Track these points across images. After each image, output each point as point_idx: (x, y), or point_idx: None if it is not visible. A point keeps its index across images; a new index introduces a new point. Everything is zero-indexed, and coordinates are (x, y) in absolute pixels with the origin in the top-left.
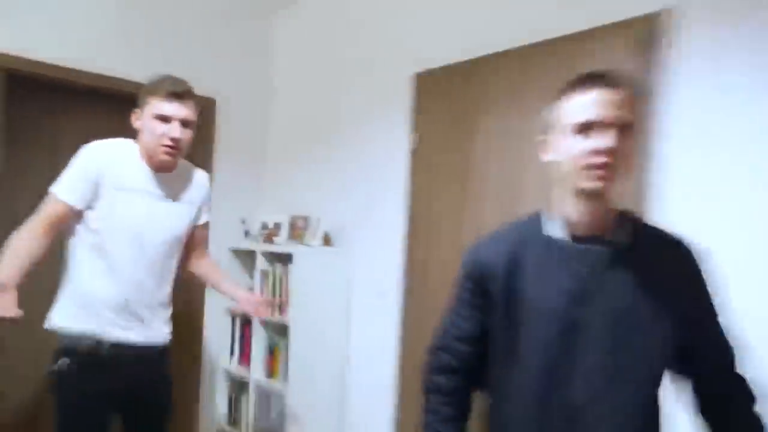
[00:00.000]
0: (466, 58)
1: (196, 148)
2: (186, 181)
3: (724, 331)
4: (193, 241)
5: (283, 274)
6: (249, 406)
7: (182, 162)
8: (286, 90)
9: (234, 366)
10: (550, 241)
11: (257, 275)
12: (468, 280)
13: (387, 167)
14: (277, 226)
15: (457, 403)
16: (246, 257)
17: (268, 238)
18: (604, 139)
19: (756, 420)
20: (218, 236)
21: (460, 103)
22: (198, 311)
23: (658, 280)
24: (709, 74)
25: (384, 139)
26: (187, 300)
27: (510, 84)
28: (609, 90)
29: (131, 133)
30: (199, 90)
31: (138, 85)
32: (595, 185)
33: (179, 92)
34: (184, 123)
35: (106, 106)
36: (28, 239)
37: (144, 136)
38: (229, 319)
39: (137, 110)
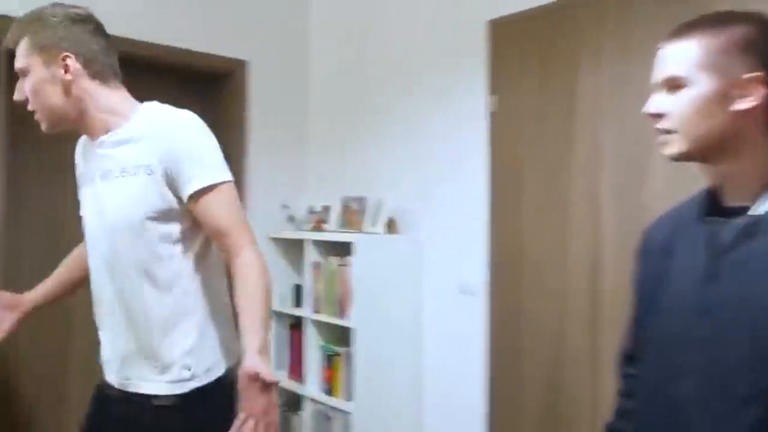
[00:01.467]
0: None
1: (225, 119)
2: (130, 141)
3: None
4: (205, 231)
5: (340, 268)
6: (303, 428)
7: (132, 114)
8: (331, 50)
9: (282, 379)
10: (693, 216)
11: (307, 269)
12: (635, 260)
13: (461, 136)
14: (326, 210)
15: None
16: (292, 247)
17: (317, 225)
18: (648, 103)
19: None
20: (256, 224)
21: (552, 54)
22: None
23: None
24: None
25: (455, 102)
26: None
27: (618, 27)
28: (670, 43)
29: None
30: (226, 51)
31: (167, 49)
32: (665, 152)
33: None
34: (22, 74)
35: (132, 72)
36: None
37: None
38: (273, 322)
39: None
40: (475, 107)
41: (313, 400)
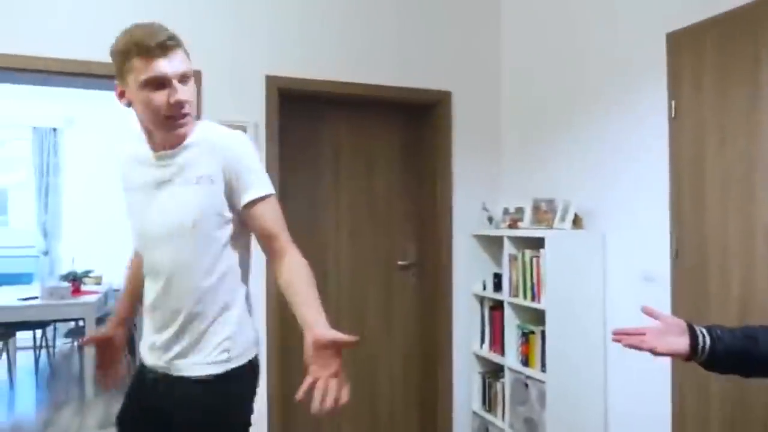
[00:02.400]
0: (729, 7)
1: (434, 139)
2: (195, 153)
3: None
4: (255, 234)
5: (533, 259)
6: (505, 392)
7: (193, 129)
8: (518, 72)
9: (485, 351)
10: None
11: (505, 260)
12: None
13: (641, 140)
14: (520, 211)
15: None
16: (491, 243)
17: (513, 224)
18: None
19: None
20: (461, 224)
21: (730, 60)
22: (446, 295)
23: None
24: None
25: (636, 109)
26: (432, 280)
27: None
28: None
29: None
30: (435, 84)
31: (377, 88)
32: None
33: (163, 42)
34: (183, 79)
35: (358, 112)
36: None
37: (140, 114)
38: (477, 304)
39: (117, 84)
40: (656, 113)
41: (512, 370)
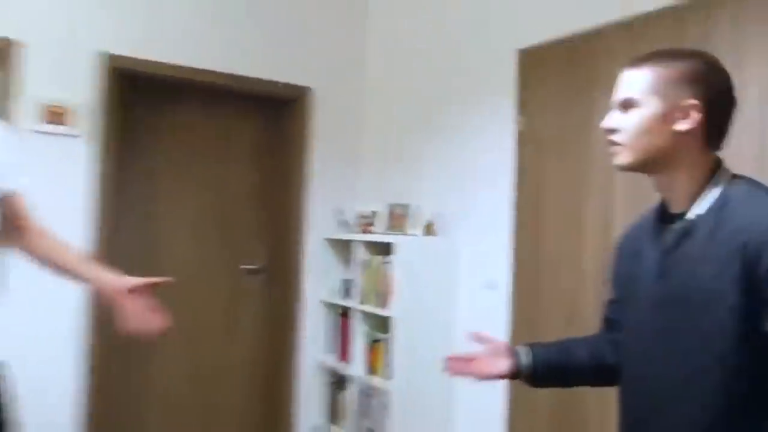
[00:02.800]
0: (574, 31)
1: (291, 138)
2: None
3: None
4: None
5: (384, 265)
6: (350, 402)
7: None
8: (381, 77)
9: (332, 361)
10: (651, 222)
11: (355, 266)
12: (612, 260)
13: (492, 151)
14: (374, 215)
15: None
16: (342, 247)
17: (366, 228)
18: (605, 119)
19: None
20: (314, 227)
21: (572, 80)
22: (293, 301)
23: (706, 258)
24: None
25: (488, 121)
26: (281, 286)
27: (621, 59)
28: (628, 71)
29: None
30: (296, 79)
31: (235, 78)
32: (614, 162)
33: None
34: None
35: (201, 99)
36: None
37: None
38: (324, 311)
39: None
40: (505, 127)
41: (358, 379)
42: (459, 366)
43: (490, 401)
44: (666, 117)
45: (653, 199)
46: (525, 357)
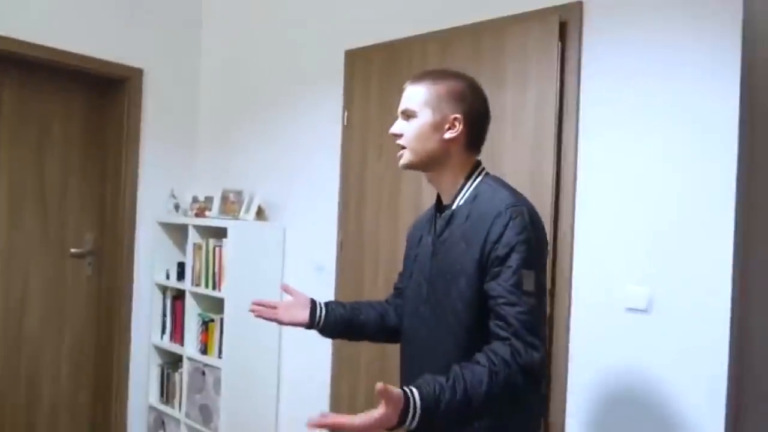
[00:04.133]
0: (393, 37)
1: (122, 121)
2: None
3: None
4: None
5: (216, 249)
6: (182, 382)
7: None
8: (217, 61)
9: (165, 342)
10: (430, 213)
11: (189, 249)
12: (406, 246)
13: (322, 142)
14: (209, 200)
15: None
16: (176, 231)
17: (200, 213)
18: (393, 126)
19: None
20: (146, 210)
21: (385, 81)
22: (125, 285)
23: (460, 239)
24: (615, 61)
25: (319, 113)
26: (111, 270)
27: (442, 61)
28: (410, 85)
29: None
30: (125, 59)
31: (57, 53)
32: (399, 162)
33: None
34: None
35: (30, 77)
36: None
37: None
38: (160, 294)
39: None
40: (332, 120)
41: (191, 359)
42: (264, 311)
43: (315, 376)
44: (437, 126)
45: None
46: (319, 311)
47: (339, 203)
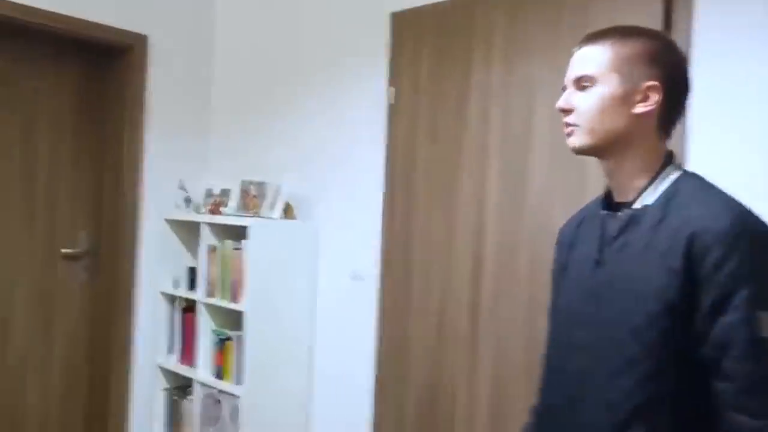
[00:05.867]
0: None
1: (122, 95)
2: None
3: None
4: None
5: (235, 252)
6: (193, 412)
7: None
8: (234, 33)
9: (173, 363)
10: (593, 212)
11: (202, 252)
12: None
13: (360, 126)
14: (225, 193)
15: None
16: (187, 230)
17: (215, 209)
18: (561, 99)
19: None
20: (152, 205)
21: (440, 51)
22: (126, 293)
23: (647, 249)
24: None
25: (356, 92)
26: (110, 275)
27: (511, 29)
28: (584, 46)
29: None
30: (126, 23)
31: (47, 16)
32: (569, 144)
33: None
34: None
35: (11, 45)
36: None
37: None
38: (166, 305)
39: None
40: (374, 98)
41: (203, 384)
42: None
43: (354, 405)
44: (625, 97)
45: (527, 185)
46: None
47: (384, 199)
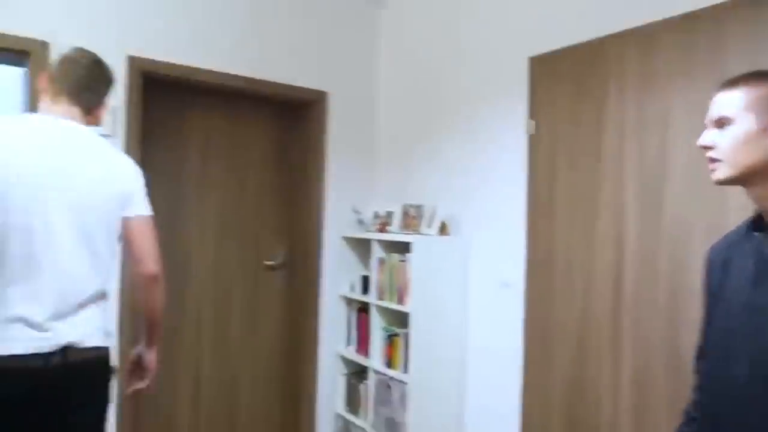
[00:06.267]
0: (584, 39)
1: (308, 140)
2: None
3: None
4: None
5: (400, 263)
6: (368, 393)
7: None
8: (395, 79)
9: (351, 353)
10: (743, 234)
11: (373, 263)
12: (703, 273)
13: (504, 154)
14: (389, 215)
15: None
16: (360, 246)
17: (382, 227)
18: (702, 137)
19: None
20: (331, 225)
21: (582, 87)
22: (313, 296)
23: None
24: None
25: (500, 125)
26: (301, 282)
27: (640, 67)
28: (722, 92)
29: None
30: (312, 83)
31: (255, 82)
32: (712, 177)
33: None
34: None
35: (225, 102)
36: None
37: None
38: (344, 306)
39: None
40: (516, 130)
41: (376, 371)
42: None
43: (503, 395)
44: (761, 132)
45: (664, 201)
46: None
47: (527, 216)
